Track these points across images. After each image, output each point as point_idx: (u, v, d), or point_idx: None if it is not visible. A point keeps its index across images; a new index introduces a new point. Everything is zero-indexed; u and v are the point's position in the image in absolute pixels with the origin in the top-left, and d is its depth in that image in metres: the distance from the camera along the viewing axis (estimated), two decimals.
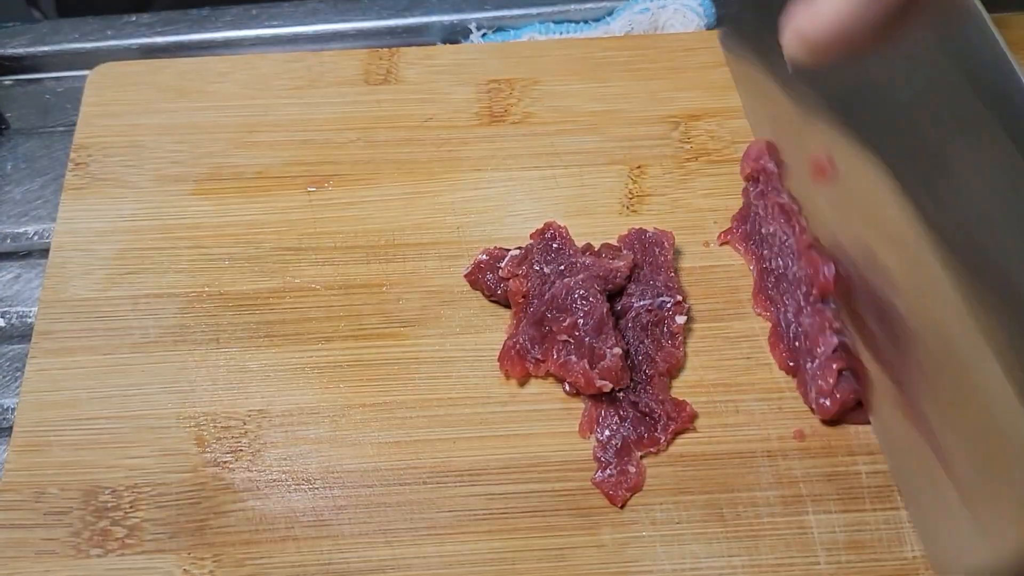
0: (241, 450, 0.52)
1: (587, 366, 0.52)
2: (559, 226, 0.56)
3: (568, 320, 0.53)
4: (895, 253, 0.46)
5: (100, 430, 0.53)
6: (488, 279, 0.56)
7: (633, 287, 0.56)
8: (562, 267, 0.55)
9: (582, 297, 0.53)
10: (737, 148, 0.63)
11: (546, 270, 0.55)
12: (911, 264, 0.45)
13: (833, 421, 0.53)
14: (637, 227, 0.57)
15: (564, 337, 0.53)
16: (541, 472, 0.51)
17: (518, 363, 0.54)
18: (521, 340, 0.54)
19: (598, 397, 0.53)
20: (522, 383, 0.54)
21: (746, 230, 0.58)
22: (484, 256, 0.57)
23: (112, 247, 0.59)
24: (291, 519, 0.50)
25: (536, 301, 0.55)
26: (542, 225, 0.57)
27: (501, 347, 0.54)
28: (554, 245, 0.56)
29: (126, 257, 0.59)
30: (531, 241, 0.57)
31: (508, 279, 0.56)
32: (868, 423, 0.53)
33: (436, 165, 0.62)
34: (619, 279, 0.55)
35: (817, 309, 0.53)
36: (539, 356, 0.53)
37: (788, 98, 0.54)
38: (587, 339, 0.52)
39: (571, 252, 0.56)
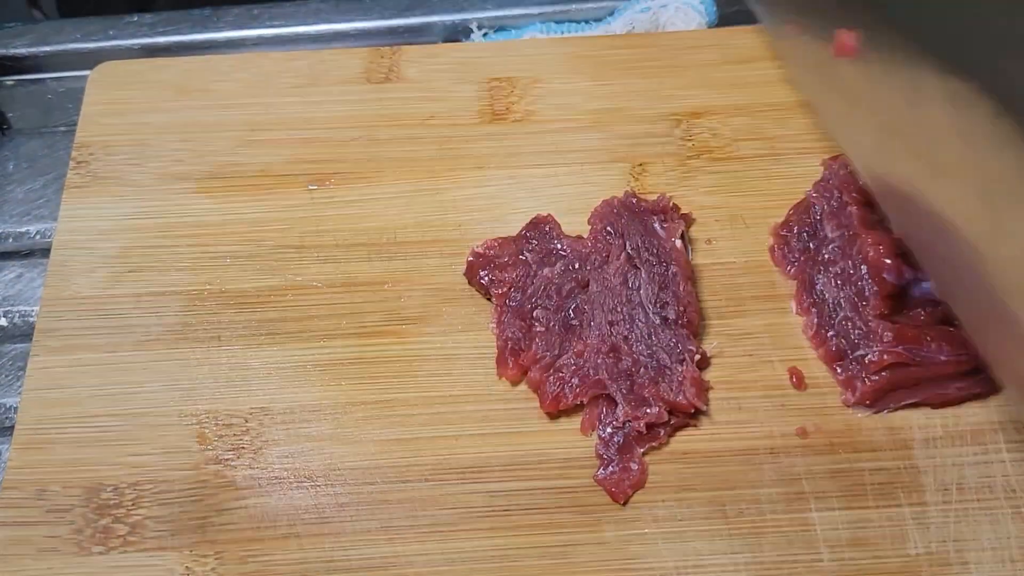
0: (243, 448, 0.52)
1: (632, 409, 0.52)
2: (546, 216, 0.58)
3: (579, 346, 0.54)
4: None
5: (102, 428, 0.53)
6: (482, 277, 0.56)
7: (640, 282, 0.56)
8: (543, 256, 0.56)
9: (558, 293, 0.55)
10: (739, 146, 0.63)
11: (530, 259, 0.56)
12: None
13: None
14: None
15: (540, 328, 0.54)
16: (543, 469, 0.51)
17: (515, 365, 0.54)
18: (510, 332, 0.54)
19: (599, 395, 0.53)
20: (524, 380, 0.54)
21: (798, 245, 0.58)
22: (471, 257, 0.57)
23: (114, 245, 0.59)
24: (293, 516, 0.50)
25: (519, 294, 0.55)
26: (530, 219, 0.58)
27: (496, 353, 0.54)
28: (535, 237, 0.57)
29: (128, 255, 0.59)
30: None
31: (496, 269, 0.56)
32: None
33: (438, 163, 0.62)
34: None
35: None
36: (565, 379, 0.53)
37: None
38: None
39: (556, 235, 0.57)
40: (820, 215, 0.57)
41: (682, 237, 0.57)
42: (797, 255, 0.58)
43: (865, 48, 0.51)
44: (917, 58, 0.45)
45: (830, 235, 0.56)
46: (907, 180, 0.49)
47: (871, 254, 0.53)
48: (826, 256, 0.56)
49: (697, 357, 0.53)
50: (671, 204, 0.58)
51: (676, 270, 0.55)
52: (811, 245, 0.57)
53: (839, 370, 0.54)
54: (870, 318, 0.53)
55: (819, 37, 0.56)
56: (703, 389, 0.53)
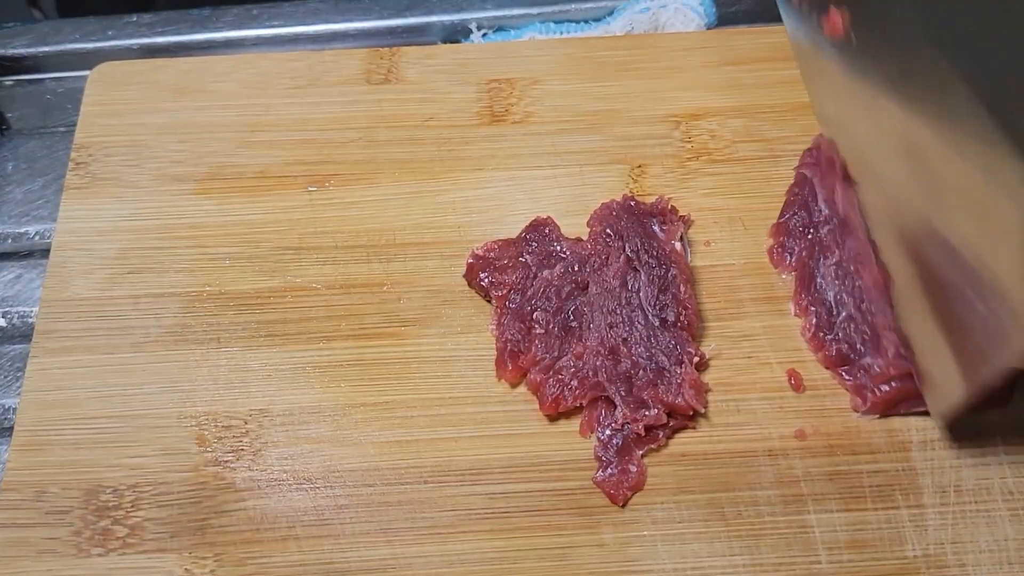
0: (242, 449, 0.52)
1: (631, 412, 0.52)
2: (545, 218, 0.58)
3: (578, 347, 0.54)
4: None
5: (101, 429, 0.53)
6: (481, 279, 0.56)
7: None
8: (542, 258, 0.56)
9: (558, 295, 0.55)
10: (738, 148, 0.63)
11: (529, 261, 0.56)
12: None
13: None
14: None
15: (540, 331, 0.54)
16: (542, 471, 0.51)
17: (514, 367, 0.54)
18: (510, 334, 0.54)
19: (598, 397, 0.53)
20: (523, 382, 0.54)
21: (786, 243, 0.58)
22: (471, 259, 0.57)
23: (113, 246, 0.59)
24: (292, 518, 0.50)
25: (519, 296, 0.55)
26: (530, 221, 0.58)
27: (495, 355, 0.54)
28: (535, 239, 0.57)
29: (127, 256, 0.59)
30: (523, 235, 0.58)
31: (496, 271, 0.56)
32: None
33: (437, 164, 0.62)
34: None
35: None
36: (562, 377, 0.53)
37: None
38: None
39: (556, 238, 0.57)
40: (808, 190, 0.58)
41: (681, 239, 0.57)
42: (794, 241, 0.57)
43: (854, 30, 0.51)
44: (904, 44, 0.46)
45: (824, 212, 0.56)
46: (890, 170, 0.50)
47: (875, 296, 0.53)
48: (823, 235, 0.56)
49: (696, 359, 0.53)
50: (670, 206, 0.58)
51: (675, 272, 0.55)
52: (808, 228, 0.57)
53: (847, 376, 0.54)
54: (877, 326, 0.53)
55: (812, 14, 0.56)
56: (702, 391, 0.53)
